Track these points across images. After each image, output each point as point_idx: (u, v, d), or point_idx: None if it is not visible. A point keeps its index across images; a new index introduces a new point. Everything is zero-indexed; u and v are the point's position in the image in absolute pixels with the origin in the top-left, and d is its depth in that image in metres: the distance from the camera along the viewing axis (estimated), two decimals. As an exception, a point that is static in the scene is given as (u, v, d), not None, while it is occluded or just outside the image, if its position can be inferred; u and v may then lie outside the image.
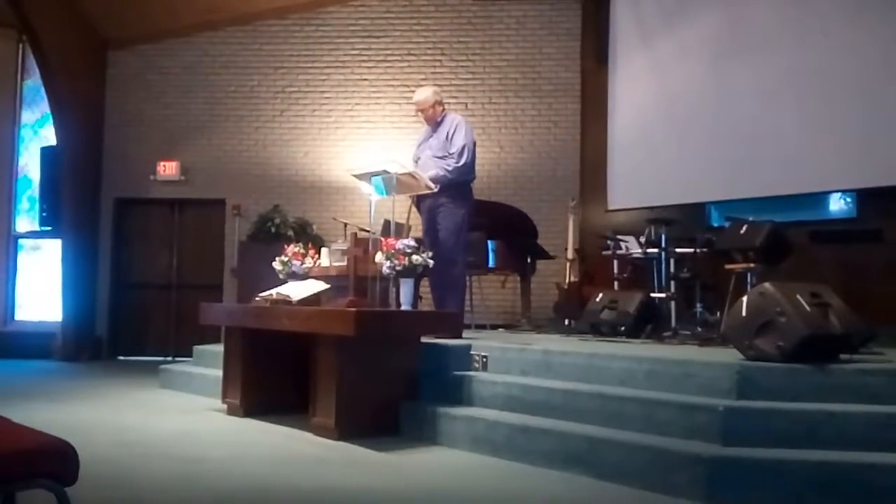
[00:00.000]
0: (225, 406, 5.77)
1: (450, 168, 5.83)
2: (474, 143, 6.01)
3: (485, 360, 5.03)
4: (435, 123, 6.06)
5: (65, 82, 9.75)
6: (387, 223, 6.77)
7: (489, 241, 7.51)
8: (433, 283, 6.02)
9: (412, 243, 5.23)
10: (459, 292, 5.95)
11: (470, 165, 5.93)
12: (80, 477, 2.37)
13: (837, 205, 8.05)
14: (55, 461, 2.31)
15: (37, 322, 10.47)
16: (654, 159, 8.74)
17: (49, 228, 10.11)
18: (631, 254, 6.98)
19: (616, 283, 6.95)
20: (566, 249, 8.33)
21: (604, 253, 7.39)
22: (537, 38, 10.02)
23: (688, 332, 6.01)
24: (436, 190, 5.68)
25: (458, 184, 5.88)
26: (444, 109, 6.12)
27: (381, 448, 4.45)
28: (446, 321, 5.46)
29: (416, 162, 6.10)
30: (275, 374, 5.66)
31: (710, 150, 8.23)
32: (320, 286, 5.65)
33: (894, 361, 4.11)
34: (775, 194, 7.67)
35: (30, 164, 10.74)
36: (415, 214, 6.94)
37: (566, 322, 7.42)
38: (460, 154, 5.85)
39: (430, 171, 5.79)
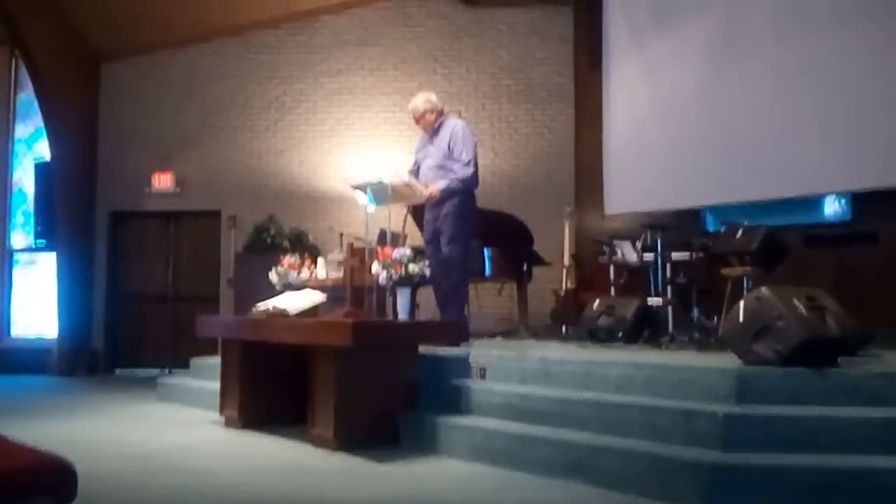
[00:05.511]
0: (223, 418, 5.75)
1: (459, 178, 5.72)
2: (475, 147, 5.92)
3: (483, 369, 5.02)
4: (433, 130, 5.97)
5: (58, 95, 9.75)
6: (383, 233, 6.76)
7: (485, 249, 7.49)
8: (436, 293, 5.88)
9: (408, 252, 5.22)
10: (460, 302, 5.91)
11: (476, 174, 5.85)
12: (79, 493, 2.37)
13: (832, 207, 8.06)
14: (53, 478, 2.30)
15: (32, 338, 10.41)
16: (650, 164, 8.74)
17: (44, 243, 10.08)
18: (627, 260, 6.97)
19: (613, 289, 6.94)
20: (562, 256, 8.33)
21: (600, 259, 7.38)
22: (530, 43, 10.02)
23: (685, 338, 6.00)
24: (431, 200, 5.64)
25: (463, 192, 5.77)
26: (441, 116, 5.99)
27: (381, 458, 4.44)
28: (445, 330, 5.45)
29: (416, 170, 6.02)
30: (273, 385, 5.63)
31: (704, 154, 8.23)
32: (317, 297, 5.63)
33: (892, 363, 4.12)
34: (770, 198, 7.68)
35: (24, 179, 10.71)
36: (410, 223, 6.93)
37: (563, 329, 7.41)
38: (466, 165, 5.74)
39: (435, 182, 5.72)
